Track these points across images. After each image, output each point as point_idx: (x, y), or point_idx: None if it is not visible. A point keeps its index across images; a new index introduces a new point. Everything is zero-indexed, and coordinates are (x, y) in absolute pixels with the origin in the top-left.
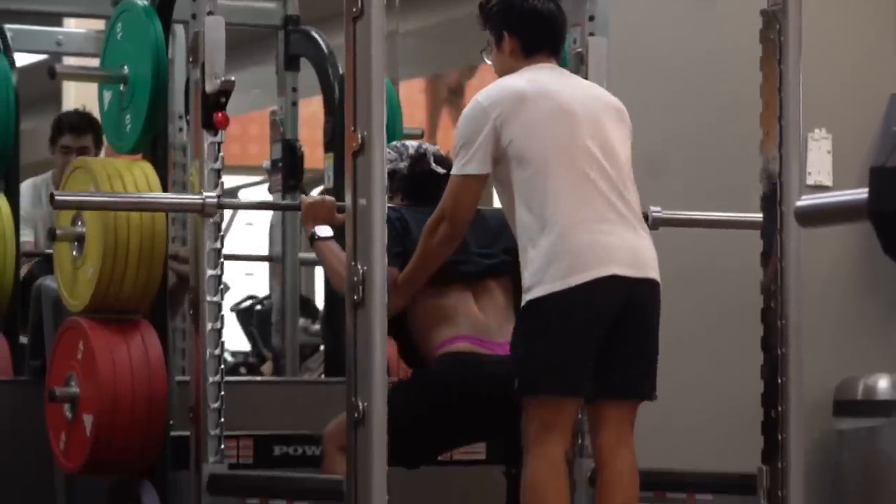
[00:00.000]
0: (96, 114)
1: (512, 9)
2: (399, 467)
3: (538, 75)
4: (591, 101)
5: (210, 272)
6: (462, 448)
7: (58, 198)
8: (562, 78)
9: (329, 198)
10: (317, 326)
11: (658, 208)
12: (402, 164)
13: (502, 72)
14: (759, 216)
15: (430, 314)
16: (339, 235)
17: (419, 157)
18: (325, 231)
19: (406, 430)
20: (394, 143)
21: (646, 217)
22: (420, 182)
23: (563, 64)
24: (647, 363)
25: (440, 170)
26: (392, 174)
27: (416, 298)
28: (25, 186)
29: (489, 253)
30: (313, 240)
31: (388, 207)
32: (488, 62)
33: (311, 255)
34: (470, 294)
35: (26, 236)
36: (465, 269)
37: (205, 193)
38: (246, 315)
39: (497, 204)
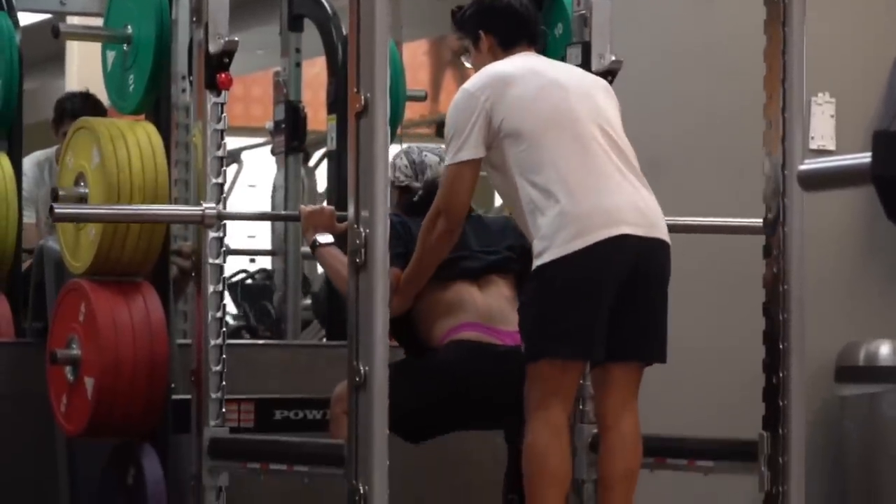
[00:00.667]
0: (99, 78)
1: (486, 9)
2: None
3: (522, 59)
4: (579, 77)
5: (212, 234)
6: None
7: (57, 211)
8: (546, 61)
9: (328, 207)
10: (308, 301)
11: None
12: (416, 185)
13: (481, 68)
14: (757, 221)
15: (435, 307)
16: (340, 244)
17: (433, 189)
18: (325, 238)
19: (411, 411)
20: (414, 154)
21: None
22: (425, 208)
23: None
24: (657, 325)
25: None
26: (403, 189)
27: (420, 295)
28: (29, 163)
29: (493, 250)
30: (315, 247)
31: (392, 215)
32: (468, 66)
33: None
34: (475, 287)
35: (28, 217)
36: (468, 265)
37: (204, 205)
38: (238, 289)
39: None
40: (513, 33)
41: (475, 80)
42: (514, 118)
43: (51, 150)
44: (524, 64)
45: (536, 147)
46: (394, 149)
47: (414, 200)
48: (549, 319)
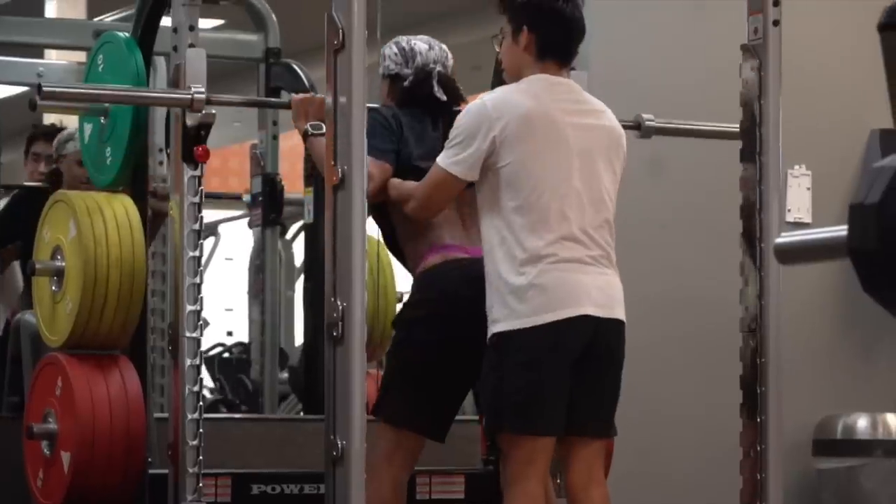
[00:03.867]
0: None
1: (538, 5)
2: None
3: (546, 92)
4: (590, 135)
5: (189, 308)
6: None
7: (45, 88)
8: (568, 99)
9: (318, 95)
10: (285, 375)
11: (650, 116)
12: (406, 72)
13: (510, 64)
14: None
15: (414, 220)
16: None
17: (424, 77)
18: (317, 127)
19: (417, 375)
20: (402, 42)
21: (638, 126)
22: (418, 100)
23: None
24: (611, 401)
25: (442, 97)
26: (393, 77)
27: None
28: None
29: None
30: (306, 135)
31: (382, 106)
32: (497, 49)
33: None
34: (455, 212)
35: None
36: None
37: (193, 88)
38: (214, 363)
39: None
40: (554, 44)
41: (498, 101)
42: (515, 169)
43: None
44: (547, 103)
45: (525, 209)
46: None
47: (405, 86)
48: (505, 392)
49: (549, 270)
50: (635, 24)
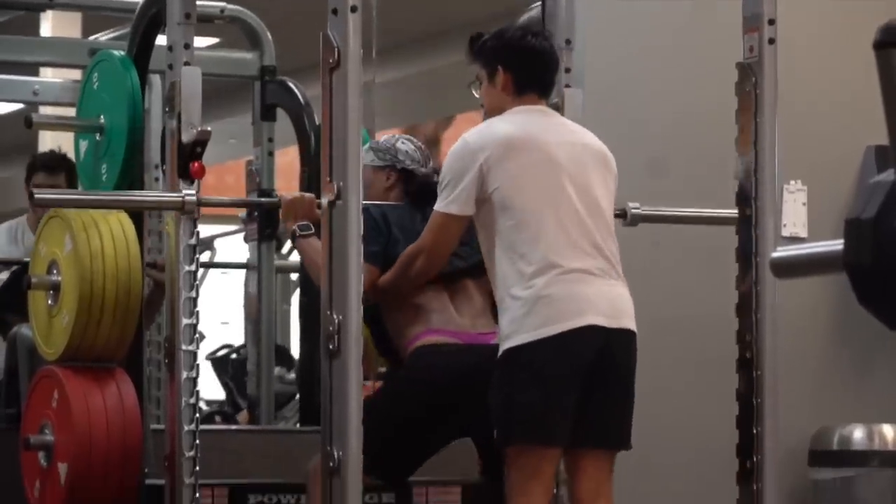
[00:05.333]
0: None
1: (510, 44)
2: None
3: (526, 119)
4: (578, 151)
5: (185, 321)
6: (437, 497)
7: (37, 195)
8: (550, 124)
9: (308, 194)
10: (292, 375)
11: (636, 204)
12: (422, 171)
13: (490, 106)
14: (733, 212)
15: (405, 311)
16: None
17: (434, 173)
18: (306, 228)
19: (391, 439)
20: (416, 141)
21: (624, 214)
22: (429, 195)
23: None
24: (623, 412)
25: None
26: (409, 174)
27: (390, 299)
28: (1, 229)
29: (468, 253)
30: (294, 237)
31: (371, 205)
32: (477, 95)
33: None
34: (446, 294)
35: (3, 275)
36: (442, 270)
37: (184, 191)
38: (221, 364)
39: None
40: (531, 79)
41: (477, 137)
42: (507, 190)
43: (21, 218)
44: (529, 127)
45: (522, 227)
46: None
47: (423, 182)
48: (514, 405)
49: (556, 282)
50: (630, 32)
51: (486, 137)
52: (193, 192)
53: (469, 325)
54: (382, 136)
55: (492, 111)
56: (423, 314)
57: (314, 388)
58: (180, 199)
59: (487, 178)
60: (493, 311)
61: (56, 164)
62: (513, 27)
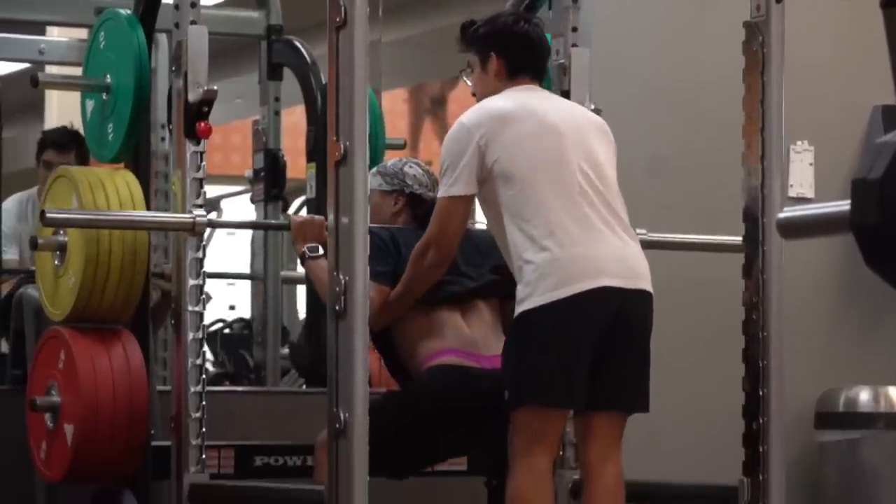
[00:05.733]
0: (79, 123)
1: (501, 31)
2: (381, 478)
3: (522, 96)
4: (576, 119)
5: (192, 282)
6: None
7: (48, 215)
8: (545, 99)
9: (318, 217)
10: (286, 350)
11: (643, 231)
12: (430, 196)
13: (483, 93)
14: (737, 240)
15: (418, 331)
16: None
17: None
18: (315, 250)
19: (392, 441)
20: (423, 165)
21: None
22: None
23: (545, 86)
24: (639, 375)
25: None
26: (416, 198)
27: (403, 316)
28: (10, 202)
29: (478, 273)
30: (304, 259)
31: (380, 227)
32: (468, 83)
33: (292, 273)
34: (458, 312)
35: (11, 253)
36: (452, 290)
37: (195, 212)
38: (216, 338)
39: (480, 219)
40: (523, 62)
41: (472, 115)
42: (507, 160)
43: (32, 190)
44: (523, 101)
45: (527, 192)
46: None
47: (427, 206)
48: (528, 367)
49: (567, 244)
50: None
51: (481, 115)
52: (204, 214)
53: (482, 344)
54: (390, 160)
55: (484, 96)
56: (437, 333)
57: (321, 349)
58: (191, 220)
59: (486, 153)
60: (504, 329)
61: (66, 142)
62: (505, 13)
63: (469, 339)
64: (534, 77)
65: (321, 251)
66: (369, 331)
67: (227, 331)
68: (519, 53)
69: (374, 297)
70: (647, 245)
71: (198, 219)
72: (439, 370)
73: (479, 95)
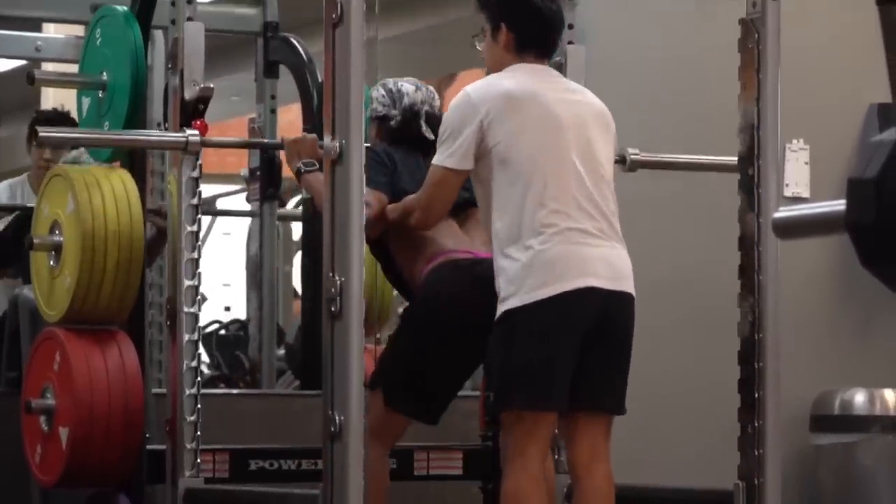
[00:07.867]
0: (74, 116)
1: (517, 3)
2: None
3: (528, 76)
4: (578, 108)
5: (187, 282)
6: (438, 463)
7: (41, 134)
8: (550, 81)
9: (310, 135)
10: (282, 351)
11: (636, 150)
12: (394, 113)
13: (491, 61)
14: (732, 159)
15: (417, 239)
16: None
17: (412, 116)
18: (310, 164)
19: (417, 369)
20: (390, 83)
21: (623, 160)
22: (407, 139)
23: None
24: (619, 377)
25: (430, 136)
26: (381, 118)
27: (399, 227)
28: (2, 186)
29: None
30: (300, 173)
31: (376, 144)
32: (479, 48)
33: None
34: (454, 221)
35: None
36: None
37: (188, 132)
38: (211, 340)
39: None
40: (533, 39)
41: (479, 89)
42: (507, 145)
43: (23, 176)
44: (530, 84)
45: (522, 182)
46: None
47: (392, 126)
48: (512, 368)
49: (554, 243)
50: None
51: (488, 92)
52: (197, 133)
53: (478, 245)
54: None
55: (492, 66)
56: (436, 241)
57: (316, 350)
58: (184, 139)
59: (488, 134)
60: None
61: (59, 122)
62: None
63: (465, 241)
64: (543, 54)
65: (316, 165)
66: (366, 238)
67: (222, 332)
68: (528, 27)
69: (371, 201)
70: (639, 164)
71: (191, 138)
72: (441, 267)
73: (487, 62)
